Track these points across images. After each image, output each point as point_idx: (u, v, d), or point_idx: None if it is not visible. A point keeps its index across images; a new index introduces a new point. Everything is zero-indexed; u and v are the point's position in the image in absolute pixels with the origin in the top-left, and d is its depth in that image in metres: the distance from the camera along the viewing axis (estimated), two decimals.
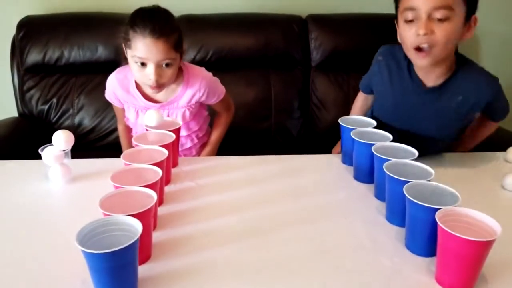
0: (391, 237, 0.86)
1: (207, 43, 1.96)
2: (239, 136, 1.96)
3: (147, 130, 1.13)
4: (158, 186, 0.85)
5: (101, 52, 1.91)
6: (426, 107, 1.17)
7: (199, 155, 1.50)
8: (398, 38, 1.17)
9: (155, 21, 1.24)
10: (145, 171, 0.89)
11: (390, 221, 0.91)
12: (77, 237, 0.66)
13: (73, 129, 1.93)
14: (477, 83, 1.16)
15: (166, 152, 0.96)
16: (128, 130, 1.53)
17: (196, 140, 1.49)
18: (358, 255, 0.81)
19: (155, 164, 0.90)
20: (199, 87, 1.39)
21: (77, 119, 1.93)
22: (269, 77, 2.01)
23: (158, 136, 1.08)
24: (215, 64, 1.94)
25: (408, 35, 1.10)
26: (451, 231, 0.68)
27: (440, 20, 1.05)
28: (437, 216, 0.72)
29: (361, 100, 1.47)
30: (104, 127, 1.94)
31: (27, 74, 1.96)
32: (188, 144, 1.48)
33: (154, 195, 0.78)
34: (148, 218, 0.75)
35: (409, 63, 1.19)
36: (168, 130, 1.09)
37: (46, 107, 1.94)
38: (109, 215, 0.72)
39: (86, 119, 1.94)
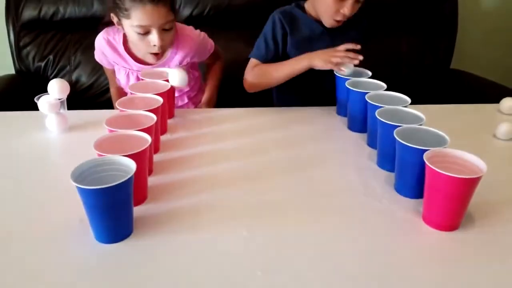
0: (381, 181, 0.88)
1: None
2: (235, 95, 1.95)
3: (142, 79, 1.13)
4: (153, 131, 0.86)
5: (97, 7, 1.88)
6: (336, 42, 1.22)
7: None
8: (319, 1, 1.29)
9: None
10: (140, 117, 0.90)
11: (381, 167, 0.93)
12: (72, 174, 0.67)
13: (71, 86, 1.86)
14: (358, 18, 1.33)
15: (161, 99, 0.97)
16: (121, 92, 1.51)
17: (186, 100, 1.49)
18: (349, 197, 0.83)
19: (150, 111, 0.91)
20: (189, 49, 1.39)
21: (74, 76, 1.92)
22: None
23: (153, 86, 1.08)
24: (213, 20, 1.92)
25: (335, 8, 1.24)
26: (438, 170, 0.69)
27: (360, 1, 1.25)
28: (425, 156, 0.74)
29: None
30: (103, 83, 1.92)
31: (23, 31, 1.94)
32: (179, 103, 1.48)
33: (148, 138, 0.79)
34: (143, 159, 0.77)
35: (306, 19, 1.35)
36: (164, 80, 1.09)
37: (42, 63, 1.93)
38: (103, 155, 0.74)
39: (83, 76, 1.93)
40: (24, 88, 1.87)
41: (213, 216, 0.78)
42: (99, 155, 0.74)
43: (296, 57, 1.26)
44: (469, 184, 0.70)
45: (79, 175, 0.69)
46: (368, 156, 0.98)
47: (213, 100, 1.50)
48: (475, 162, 0.74)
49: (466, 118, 1.19)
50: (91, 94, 1.93)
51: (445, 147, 0.78)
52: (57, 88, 1.04)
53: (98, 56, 1.46)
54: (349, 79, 1.12)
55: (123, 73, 1.41)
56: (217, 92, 1.54)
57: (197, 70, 1.53)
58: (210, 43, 1.49)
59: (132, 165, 0.71)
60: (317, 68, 1.19)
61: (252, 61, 1.37)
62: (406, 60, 2.01)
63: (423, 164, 0.74)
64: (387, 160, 0.91)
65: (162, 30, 1.26)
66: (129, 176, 0.67)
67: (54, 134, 1.07)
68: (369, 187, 0.86)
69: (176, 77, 1.13)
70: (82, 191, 0.66)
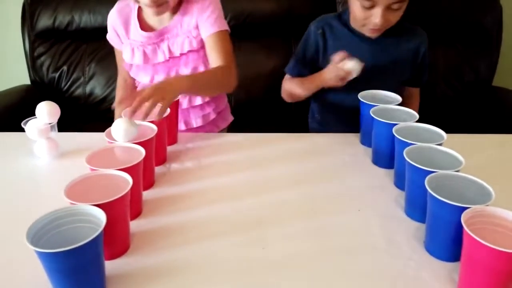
0: (409, 236, 0.73)
1: (225, 7, 1.77)
2: (257, 108, 1.84)
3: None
4: (140, 169, 0.74)
5: None
6: (380, 57, 1.18)
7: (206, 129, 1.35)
8: (350, 9, 1.21)
9: None
10: (128, 150, 0.79)
11: (410, 216, 0.78)
12: (28, 233, 0.56)
13: (84, 98, 1.86)
14: (415, 30, 1.28)
15: (155, 128, 0.85)
16: (128, 86, 1.39)
17: (214, 115, 1.33)
18: (368, 256, 0.69)
19: (140, 143, 0.79)
20: (203, 2, 1.21)
21: (88, 88, 1.85)
22: (291, 46, 1.86)
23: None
24: (233, 31, 1.76)
25: (362, 16, 1.15)
26: (479, 239, 0.54)
27: (395, 9, 1.13)
28: (464, 217, 0.59)
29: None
30: None
31: (38, 40, 1.88)
32: (211, 117, 1.32)
33: (129, 180, 0.67)
34: (121, 207, 0.65)
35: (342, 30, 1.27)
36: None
37: (56, 74, 1.87)
38: (74, 203, 0.63)
39: (97, 87, 1.85)
40: (38, 99, 1.80)
41: (203, 274, 0.65)
42: (71, 203, 0.63)
43: (310, 76, 1.25)
44: None
45: (37, 232, 0.58)
46: (395, 200, 0.83)
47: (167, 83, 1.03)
48: None
49: None
50: (105, 108, 1.86)
51: (487, 205, 0.62)
52: (46, 112, 0.94)
53: (109, 35, 1.33)
54: (375, 105, 0.97)
55: (128, 49, 1.26)
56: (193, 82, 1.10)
57: (205, 60, 1.29)
58: (223, 21, 1.26)
59: (102, 217, 0.59)
60: (330, 86, 1.17)
61: (285, 75, 1.37)
62: (442, 75, 1.84)
63: (460, 223, 0.59)
64: (416, 210, 0.76)
65: None
66: (95, 235, 0.56)
67: (43, 161, 0.97)
68: (394, 243, 0.72)
69: (120, 129, 0.82)
70: (38, 254, 0.55)
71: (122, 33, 1.28)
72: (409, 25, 1.26)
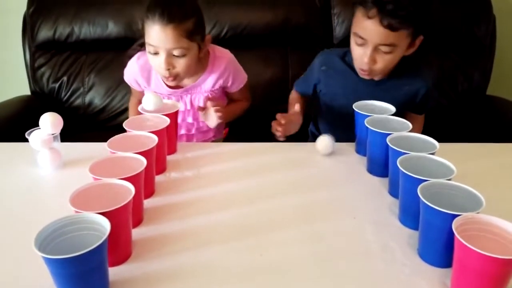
0: (403, 242, 0.76)
1: (222, 18, 1.84)
2: (253, 118, 1.86)
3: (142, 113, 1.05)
4: (141, 178, 0.77)
5: (112, 28, 1.83)
6: (379, 97, 1.13)
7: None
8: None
9: (166, 5, 1.14)
10: (130, 160, 0.81)
11: (403, 223, 0.80)
12: (36, 240, 0.58)
13: (84, 108, 1.88)
14: (419, 71, 1.28)
15: (156, 138, 0.88)
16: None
17: (206, 127, 1.39)
18: (363, 262, 0.71)
19: (141, 153, 0.81)
20: (223, 71, 1.31)
21: (87, 98, 1.87)
22: (287, 56, 1.89)
23: (152, 121, 0.99)
24: (230, 41, 1.83)
25: (356, 54, 1.20)
26: (470, 245, 0.57)
27: (384, 52, 1.15)
28: (455, 224, 0.61)
29: (298, 97, 1.45)
30: (115, 107, 1.87)
31: (38, 51, 1.90)
32: (205, 128, 1.39)
33: (132, 188, 0.70)
34: (124, 215, 0.67)
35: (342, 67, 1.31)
36: (164, 114, 1.00)
37: (56, 85, 1.88)
38: (79, 212, 0.65)
39: (96, 98, 1.87)
40: (39, 110, 1.81)
41: (203, 280, 0.67)
42: (76, 211, 0.65)
43: (291, 103, 1.39)
44: (508, 266, 0.57)
45: (45, 239, 0.60)
46: (389, 208, 0.85)
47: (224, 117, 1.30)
48: None
49: (508, 162, 1.05)
50: (104, 118, 1.88)
51: (478, 212, 0.65)
52: (49, 123, 0.96)
53: (128, 80, 1.39)
54: (370, 115, 1.00)
55: None
56: (228, 116, 1.39)
57: (225, 98, 1.44)
58: (244, 74, 1.40)
59: (106, 225, 0.61)
60: None
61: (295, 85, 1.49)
62: (437, 85, 1.87)
63: (451, 230, 0.61)
64: (410, 217, 0.78)
65: (171, 55, 1.17)
66: (100, 242, 0.58)
67: (46, 171, 0.99)
68: (389, 249, 0.74)
69: (150, 101, 1.03)
70: (47, 260, 0.57)
71: (144, 84, 1.34)
72: (416, 65, 1.26)
